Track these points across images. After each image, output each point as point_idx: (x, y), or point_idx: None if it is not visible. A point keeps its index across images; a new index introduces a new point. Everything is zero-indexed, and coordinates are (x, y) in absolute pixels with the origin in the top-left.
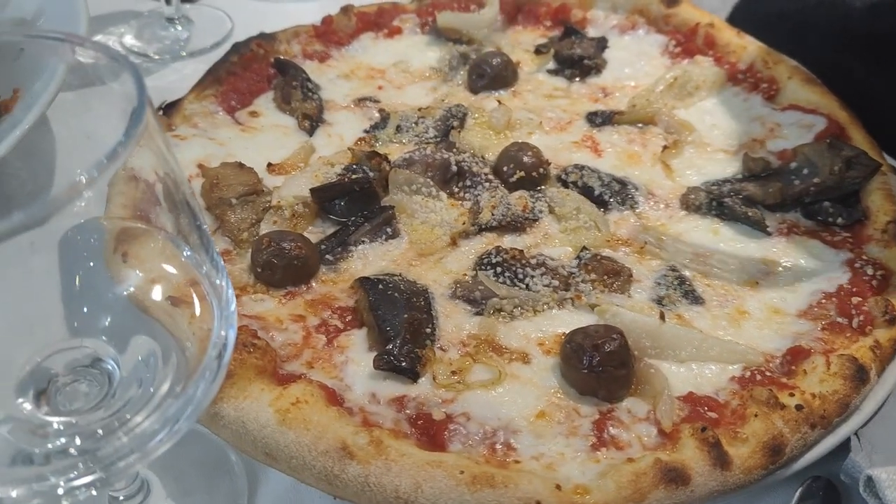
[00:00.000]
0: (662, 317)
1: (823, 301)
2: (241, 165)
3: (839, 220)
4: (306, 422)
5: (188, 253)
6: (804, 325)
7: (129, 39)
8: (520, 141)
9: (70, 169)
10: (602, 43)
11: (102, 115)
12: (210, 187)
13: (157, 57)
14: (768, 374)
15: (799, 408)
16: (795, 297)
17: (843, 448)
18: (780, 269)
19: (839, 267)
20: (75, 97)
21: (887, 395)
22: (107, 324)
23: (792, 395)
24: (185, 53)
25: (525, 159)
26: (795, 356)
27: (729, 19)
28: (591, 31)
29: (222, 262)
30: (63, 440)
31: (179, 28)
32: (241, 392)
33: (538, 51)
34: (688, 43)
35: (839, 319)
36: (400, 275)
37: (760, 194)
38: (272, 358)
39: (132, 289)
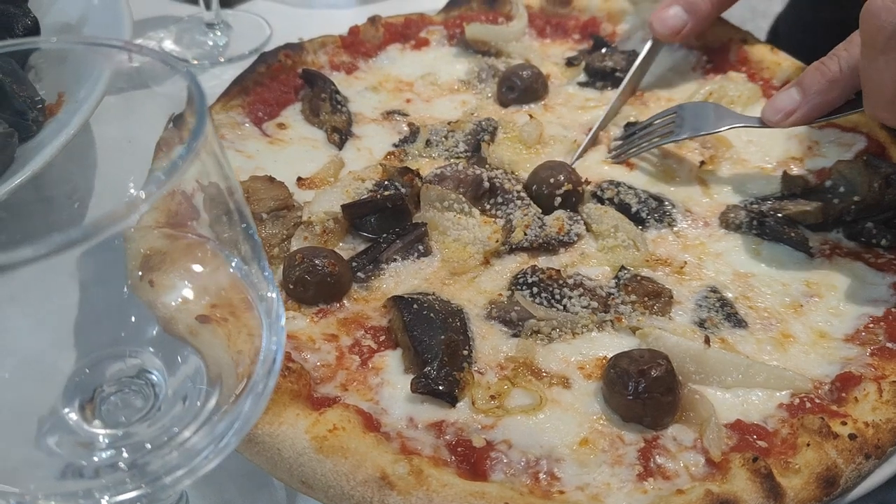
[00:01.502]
0: (708, 341)
1: (871, 325)
2: (271, 179)
3: (883, 242)
4: (344, 450)
5: (236, 263)
6: (852, 350)
7: (169, 44)
8: (555, 160)
9: (111, 173)
10: (633, 56)
11: (145, 120)
12: None
13: (195, 62)
14: (818, 401)
15: (852, 437)
16: (841, 320)
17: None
18: (824, 291)
19: (886, 290)
20: (118, 101)
21: None
22: (154, 334)
23: (844, 423)
24: (223, 59)
25: (561, 178)
26: (845, 383)
27: (773, 28)
28: (621, 45)
29: (272, 274)
30: (111, 453)
31: (219, 33)
32: (276, 418)
33: (569, 63)
34: (720, 58)
35: (889, 345)
36: (434, 294)
37: (801, 214)
38: (307, 381)
39: (163, 313)
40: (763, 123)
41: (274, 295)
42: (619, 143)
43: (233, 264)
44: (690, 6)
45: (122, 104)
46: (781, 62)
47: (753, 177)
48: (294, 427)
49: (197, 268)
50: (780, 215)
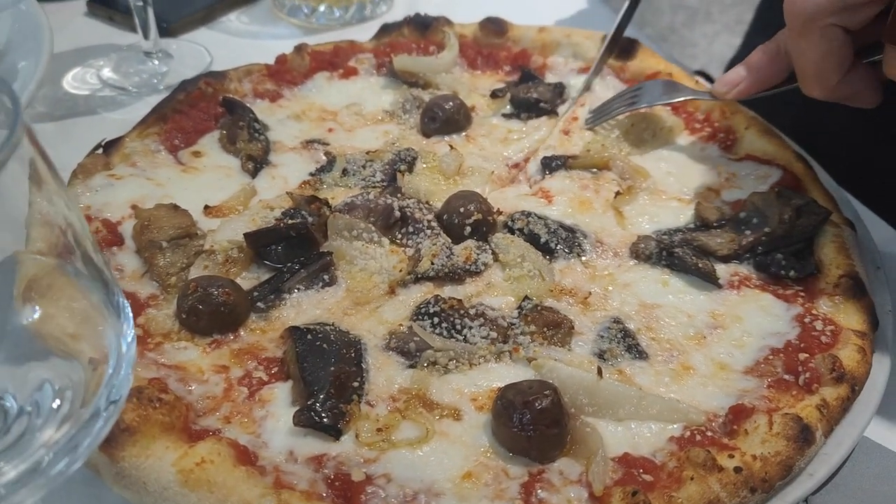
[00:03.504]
0: (600, 372)
1: (771, 357)
2: (175, 207)
3: (791, 273)
4: (210, 483)
5: (96, 299)
6: (750, 383)
7: (107, 72)
8: (468, 190)
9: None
10: (559, 88)
11: (82, 148)
12: (141, 229)
13: (134, 90)
14: (709, 433)
15: (738, 470)
16: (743, 352)
17: None
18: (729, 323)
19: (789, 322)
20: (55, 128)
21: (842, 461)
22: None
23: (732, 456)
24: (162, 87)
25: (471, 208)
26: (738, 415)
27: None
28: (551, 77)
29: (128, 309)
30: None
31: (157, 62)
32: (143, 450)
33: (494, 94)
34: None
35: (786, 376)
36: (333, 324)
37: (713, 245)
38: (181, 413)
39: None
40: (713, 97)
41: (125, 329)
42: (591, 115)
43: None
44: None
45: (61, 131)
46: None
47: (669, 207)
48: (161, 460)
49: (63, 297)
50: (691, 246)
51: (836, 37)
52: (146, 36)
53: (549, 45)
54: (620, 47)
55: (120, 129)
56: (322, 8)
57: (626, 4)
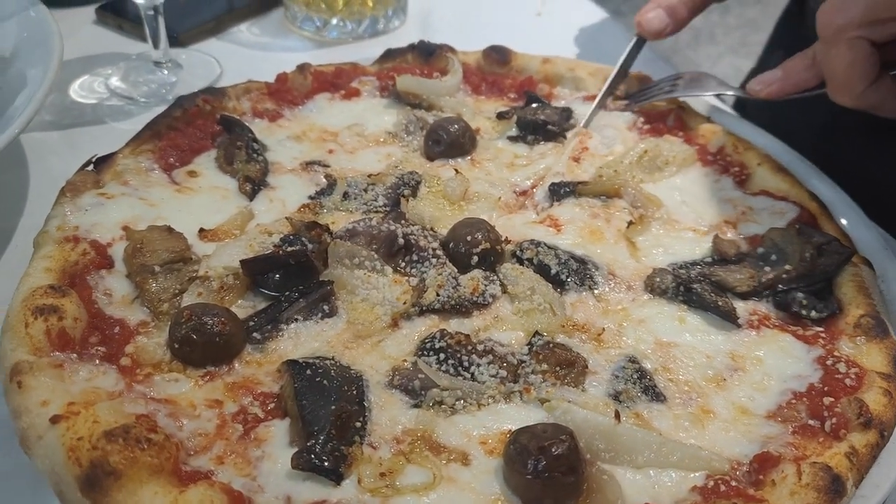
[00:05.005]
0: (618, 416)
1: (794, 401)
2: (169, 230)
3: (812, 314)
4: None
5: None
6: (774, 428)
7: (115, 81)
8: (475, 217)
9: (40, 213)
10: (567, 113)
11: (87, 156)
12: (132, 252)
13: (142, 100)
14: (734, 483)
15: None
16: (764, 396)
17: None
18: (749, 365)
19: (811, 364)
20: (61, 137)
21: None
22: None
23: None
24: (170, 97)
25: (479, 236)
26: (763, 464)
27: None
28: (557, 104)
29: None
30: None
31: (166, 72)
32: (129, 496)
33: (500, 116)
34: (657, 122)
35: (811, 422)
36: (333, 358)
37: (731, 280)
38: (171, 455)
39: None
40: (746, 93)
41: None
42: (626, 101)
43: None
44: (671, 10)
45: (66, 140)
46: (717, 130)
47: (684, 239)
48: None
49: None
50: (709, 281)
51: (863, 48)
52: (156, 45)
53: (552, 76)
54: (640, 84)
55: (125, 140)
56: (334, 21)
57: (630, 44)
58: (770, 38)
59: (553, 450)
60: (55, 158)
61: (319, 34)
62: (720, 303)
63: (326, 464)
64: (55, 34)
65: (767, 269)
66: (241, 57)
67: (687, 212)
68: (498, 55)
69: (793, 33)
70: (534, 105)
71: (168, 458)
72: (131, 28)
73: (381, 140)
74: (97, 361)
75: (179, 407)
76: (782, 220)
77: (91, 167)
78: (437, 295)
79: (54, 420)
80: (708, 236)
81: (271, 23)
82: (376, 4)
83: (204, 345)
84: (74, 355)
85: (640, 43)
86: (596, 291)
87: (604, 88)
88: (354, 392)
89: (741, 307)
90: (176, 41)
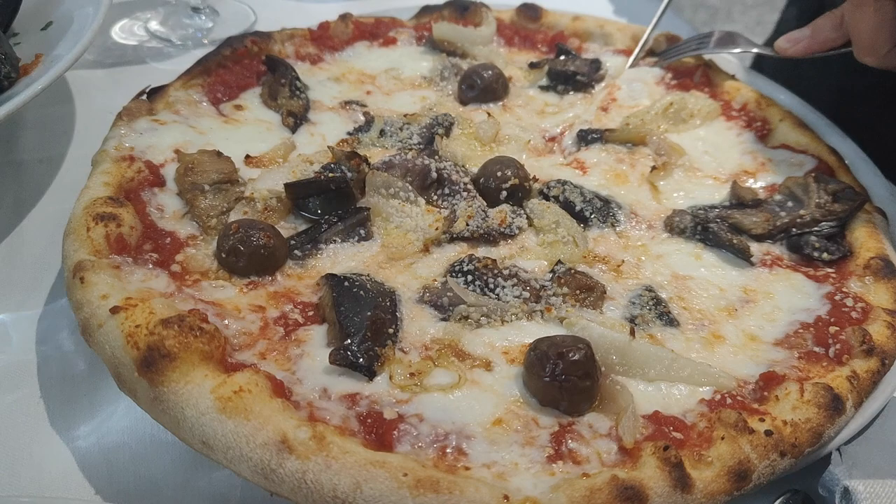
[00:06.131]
0: (633, 332)
1: (801, 331)
2: (218, 154)
3: (824, 256)
4: (247, 411)
5: None
6: (780, 354)
7: (154, 25)
8: (505, 156)
9: (86, 142)
10: (596, 64)
11: (129, 95)
12: (184, 171)
13: (178, 43)
14: (739, 398)
15: (768, 433)
16: (773, 325)
17: (824, 462)
18: (760, 298)
19: (820, 299)
20: (105, 75)
21: (873, 417)
22: None
23: (762, 420)
24: (206, 41)
25: (508, 173)
26: (769, 382)
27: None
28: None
29: None
30: None
31: (203, 18)
32: (182, 376)
33: (532, 65)
34: (684, 78)
35: (816, 349)
36: (368, 275)
37: (747, 223)
38: (220, 344)
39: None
40: (774, 51)
41: None
42: (656, 57)
43: None
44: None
45: (109, 78)
46: (741, 88)
47: (704, 185)
48: (200, 387)
49: None
50: (726, 223)
51: (889, 11)
52: None
53: (581, 32)
54: (668, 44)
55: (165, 79)
56: None
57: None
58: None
59: (570, 355)
60: (98, 94)
61: None
62: (735, 241)
63: (361, 360)
64: None
65: (783, 213)
66: (275, 6)
67: (708, 161)
68: (530, 12)
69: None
70: (564, 57)
71: (217, 346)
72: None
73: (417, 84)
74: (150, 266)
75: (225, 309)
76: (800, 172)
77: (144, 97)
78: (467, 224)
79: (114, 310)
80: (727, 184)
81: None
82: None
83: (249, 255)
84: (130, 259)
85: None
86: (618, 228)
87: (649, 30)
88: (388, 303)
89: (755, 248)
90: None
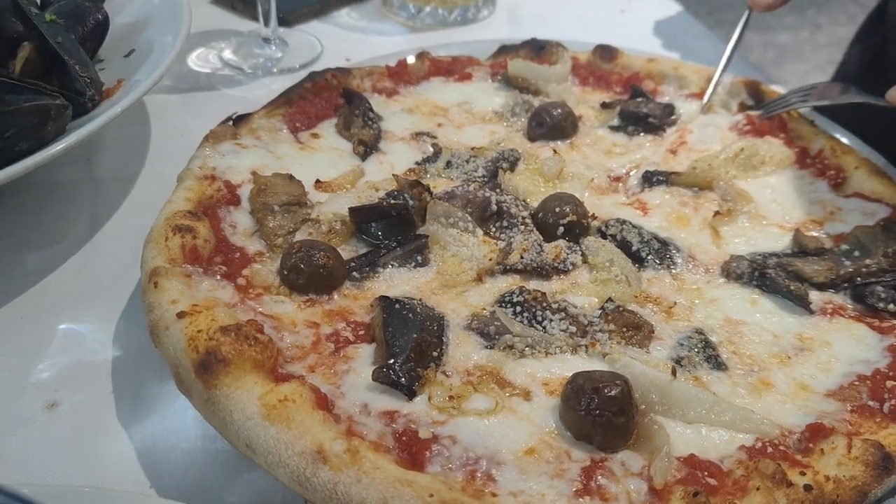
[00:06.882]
0: (674, 372)
1: (856, 383)
2: (290, 177)
3: (891, 307)
4: (289, 420)
5: None
6: (831, 405)
7: (227, 53)
8: (566, 192)
9: (160, 161)
10: (669, 108)
11: (203, 117)
12: (257, 192)
13: (249, 71)
14: (782, 448)
15: (808, 488)
16: (827, 375)
17: None
18: (816, 347)
19: (881, 352)
20: (179, 100)
21: None
22: None
23: (803, 473)
24: (275, 70)
25: (567, 209)
26: (815, 434)
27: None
28: (660, 100)
29: None
30: None
31: (274, 48)
32: (234, 381)
33: (604, 105)
34: (759, 123)
35: (870, 403)
36: (420, 300)
37: (808, 271)
38: (272, 355)
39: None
40: (887, 102)
41: None
42: (759, 111)
43: None
44: None
45: (183, 103)
46: (818, 134)
47: (769, 233)
48: (249, 393)
49: None
50: (785, 270)
51: None
52: (266, 24)
53: (656, 74)
54: (748, 90)
55: (237, 105)
56: (428, 8)
57: (742, 19)
58: (855, 35)
59: (606, 391)
60: (172, 117)
61: (413, 21)
62: (793, 287)
63: (403, 380)
64: (185, 8)
65: (847, 262)
66: (341, 38)
67: (776, 209)
68: (606, 53)
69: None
70: (638, 98)
71: (269, 357)
72: (243, 8)
73: (488, 118)
74: (218, 277)
75: (282, 323)
76: (871, 220)
77: (230, 122)
78: (521, 257)
79: (180, 315)
80: (792, 232)
81: (369, 8)
82: None
83: (309, 274)
84: (201, 270)
85: (748, 19)
86: (673, 271)
87: (721, 65)
88: (435, 328)
89: (816, 296)
90: (283, 21)
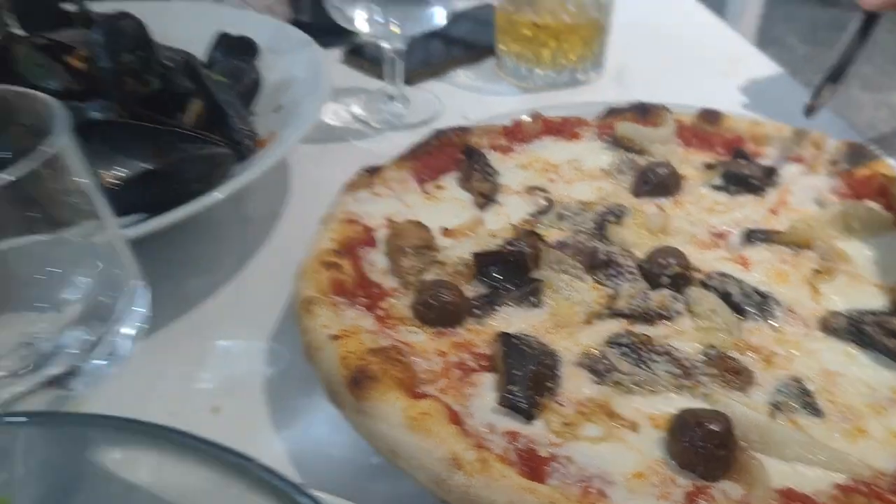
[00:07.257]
0: (773, 414)
1: None
2: (420, 224)
3: None
4: (428, 431)
5: None
6: None
7: (357, 109)
8: (671, 246)
9: (299, 205)
10: (771, 171)
11: (336, 166)
12: (392, 236)
13: (377, 126)
14: (875, 488)
15: None
16: None
17: None
18: None
19: None
20: (316, 150)
21: None
22: None
23: None
24: (399, 125)
25: (672, 261)
26: None
27: None
28: (763, 163)
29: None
30: None
31: (399, 105)
32: (380, 395)
33: (708, 166)
34: (860, 188)
35: None
36: (535, 337)
37: None
38: (411, 375)
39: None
40: None
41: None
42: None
43: None
44: None
45: (318, 152)
46: None
47: (867, 292)
48: (393, 406)
49: None
50: (883, 328)
51: None
52: (392, 82)
53: (759, 136)
54: (850, 154)
55: (365, 156)
56: (539, 70)
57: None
58: None
59: (709, 425)
60: (310, 165)
61: (525, 82)
62: (889, 343)
63: (523, 405)
64: (326, 71)
65: None
66: (458, 96)
67: (875, 269)
68: (710, 116)
69: None
70: (740, 160)
71: (409, 377)
72: (370, 68)
73: (596, 175)
74: (360, 308)
75: (415, 350)
76: None
77: (365, 173)
78: (628, 304)
79: (333, 338)
80: (889, 293)
81: (484, 70)
82: (578, 59)
83: (439, 309)
84: (345, 301)
85: (868, 25)
86: (773, 323)
87: (832, 67)
88: (550, 362)
89: None
90: (405, 80)
